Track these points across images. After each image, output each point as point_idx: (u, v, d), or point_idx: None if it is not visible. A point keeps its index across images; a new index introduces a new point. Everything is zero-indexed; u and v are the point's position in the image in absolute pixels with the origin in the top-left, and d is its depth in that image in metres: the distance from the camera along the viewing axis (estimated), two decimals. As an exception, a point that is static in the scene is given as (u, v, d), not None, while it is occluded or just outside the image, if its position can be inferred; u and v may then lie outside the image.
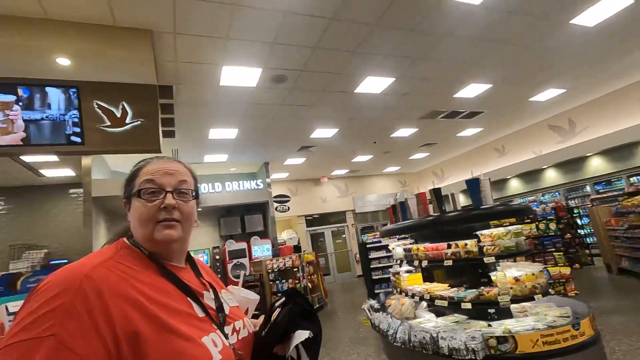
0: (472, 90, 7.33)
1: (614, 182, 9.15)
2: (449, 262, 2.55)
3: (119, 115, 4.06)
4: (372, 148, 10.71)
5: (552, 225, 5.42)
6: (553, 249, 5.36)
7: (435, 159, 13.91)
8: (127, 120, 4.07)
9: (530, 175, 11.18)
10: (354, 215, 14.20)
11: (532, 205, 5.87)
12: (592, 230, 8.07)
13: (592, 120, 9.37)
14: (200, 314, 0.82)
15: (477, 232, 2.55)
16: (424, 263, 2.82)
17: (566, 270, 5.26)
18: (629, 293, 5.44)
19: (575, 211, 9.47)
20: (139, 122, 4.09)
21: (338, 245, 14.03)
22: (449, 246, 2.64)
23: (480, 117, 9.22)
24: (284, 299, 0.97)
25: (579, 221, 9.36)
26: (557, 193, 10.58)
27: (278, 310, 0.93)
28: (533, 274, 2.37)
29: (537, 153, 10.74)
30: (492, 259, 2.37)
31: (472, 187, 2.56)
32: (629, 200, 6.01)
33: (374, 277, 6.82)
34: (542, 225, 5.42)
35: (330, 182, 14.12)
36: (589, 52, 6.44)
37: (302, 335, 0.85)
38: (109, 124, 4.00)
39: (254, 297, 1.12)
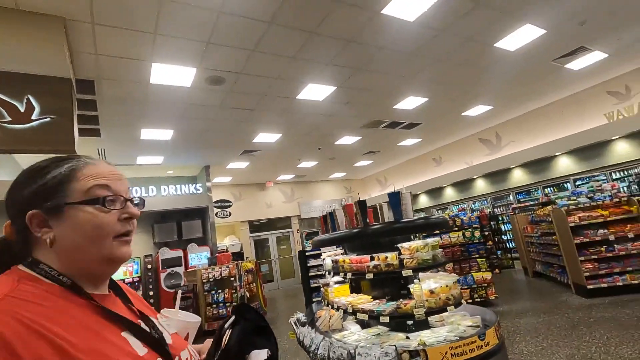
0: (410, 103, 7.65)
1: (532, 192, 10.11)
2: (370, 275, 2.55)
3: (22, 110, 3.57)
4: (317, 154, 10.75)
5: (477, 233, 5.80)
6: (477, 256, 5.72)
7: (379, 166, 14.36)
8: (34, 117, 3.60)
9: (463, 184, 11.97)
10: (299, 220, 14.14)
11: (460, 214, 6.24)
12: (513, 236, 8.83)
13: (515, 135, 10.29)
14: (141, 351, 0.67)
15: (399, 245, 2.58)
16: (349, 275, 2.80)
17: (488, 275, 5.65)
18: (541, 295, 5.98)
19: (500, 218, 10.28)
20: (48, 119, 3.63)
21: (283, 251, 13.86)
22: (372, 258, 2.65)
23: (418, 128, 9.68)
24: (233, 317, 0.87)
25: (503, 227, 10.18)
26: (485, 201, 11.44)
27: (229, 332, 0.83)
28: (447, 286, 2.45)
29: (469, 164, 11.55)
30: (409, 272, 2.42)
31: (394, 200, 2.59)
32: (542, 209, 6.64)
33: (312, 285, 6.77)
34: (467, 233, 5.76)
35: (276, 187, 13.93)
36: (511, 74, 7.04)
37: (259, 356, 0.80)
38: (10, 119, 3.50)
39: (194, 319, 1.00)
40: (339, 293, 3.29)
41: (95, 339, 0.61)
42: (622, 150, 8.15)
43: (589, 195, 5.52)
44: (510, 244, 9.67)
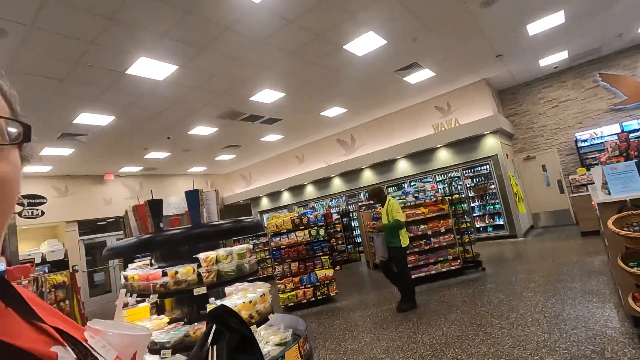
0: (267, 96, 7.33)
1: (378, 191, 11.16)
2: (155, 297, 1.99)
3: None
4: (168, 144, 9.46)
5: (322, 231, 5.85)
6: (321, 253, 5.77)
7: (243, 161, 13.78)
8: None
9: (322, 182, 12.47)
10: (148, 219, 12.34)
11: (308, 212, 6.25)
12: (360, 232, 9.54)
13: (366, 139, 11.20)
14: None
15: (198, 256, 2.09)
16: (134, 296, 2.17)
17: (330, 272, 5.76)
18: (375, 288, 6.45)
19: (352, 215, 11.03)
20: None
21: (126, 255, 11.85)
22: (164, 274, 2.09)
23: (279, 124, 9.50)
24: (214, 328, 0.76)
25: (353, 224, 10.94)
26: (340, 199, 12.17)
27: (213, 349, 0.72)
28: (251, 302, 2.09)
29: (327, 163, 12.07)
30: (202, 290, 1.95)
31: (191, 200, 2.09)
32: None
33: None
34: (313, 232, 5.76)
35: (118, 181, 11.82)
36: (361, 79, 7.45)
37: None
38: None
39: (141, 332, 0.64)
40: (136, 316, 2.61)
41: None
42: (443, 157, 9.69)
43: (415, 195, 6.20)
44: (358, 238, 10.45)
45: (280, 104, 7.96)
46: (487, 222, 9.24)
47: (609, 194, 3.16)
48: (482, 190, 9.19)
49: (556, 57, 8.38)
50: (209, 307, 1.95)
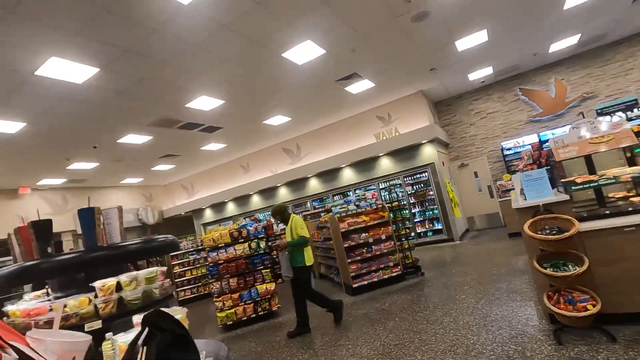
0: (205, 103, 6.99)
1: (324, 200, 11.19)
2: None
3: None
4: (94, 154, 8.63)
5: (262, 244, 5.63)
6: (262, 267, 5.55)
7: (184, 172, 13.07)
8: None
9: (268, 191, 12.21)
10: (73, 237, 11.13)
11: (248, 224, 5.99)
12: (307, 241, 9.42)
13: (312, 148, 11.20)
14: None
15: (95, 284, 1.81)
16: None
17: (271, 286, 5.55)
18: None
19: (298, 224, 10.90)
20: None
21: (46, 278, 10.54)
22: (52, 308, 1.77)
23: (220, 132, 9.14)
24: (147, 330, 0.78)
25: (300, 233, 10.82)
26: (287, 208, 11.98)
27: (143, 350, 0.73)
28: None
29: (273, 172, 11.86)
30: (97, 324, 1.68)
31: (86, 219, 1.81)
32: (325, 216, 7.20)
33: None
34: (253, 244, 5.52)
35: (36, 195, 10.54)
36: (302, 88, 7.42)
37: None
38: None
39: (80, 338, 0.81)
40: None
41: None
42: (385, 165, 9.97)
43: (356, 203, 6.25)
44: (305, 248, 10.31)
45: (220, 111, 7.65)
46: (427, 227, 9.64)
47: (525, 199, 3.38)
48: (421, 197, 9.58)
49: (483, 72, 9.08)
50: (105, 345, 1.68)
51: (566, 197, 3.14)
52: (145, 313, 1.03)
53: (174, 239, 2.17)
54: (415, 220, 9.69)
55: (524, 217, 3.26)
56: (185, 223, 14.59)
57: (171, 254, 9.23)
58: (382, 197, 9.02)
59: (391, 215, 6.45)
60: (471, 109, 10.54)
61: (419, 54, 7.01)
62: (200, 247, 9.19)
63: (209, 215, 13.81)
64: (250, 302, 5.41)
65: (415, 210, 9.76)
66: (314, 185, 11.29)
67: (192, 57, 5.27)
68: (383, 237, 5.99)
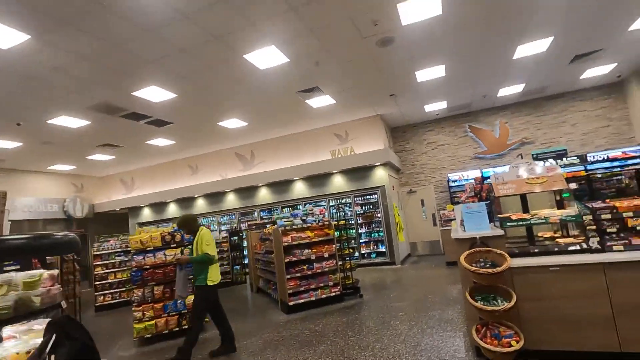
0: (154, 94, 6.51)
1: (273, 211, 10.89)
2: None
3: None
4: (18, 132, 7.65)
5: (197, 251, 5.21)
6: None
7: (125, 164, 12.09)
8: None
9: (215, 196, 11.65)
10: (-22, 223, 9.68)
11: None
12: (247, 252, 9.03)
13: (266, 156, 10.93)
14: None
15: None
16: None
17: (201, 298, 5.13)
18: (254, 314, 6.02)
19: (243, 234, 10.45)
20: None
21: None
22: None
23: (169, 128, 8.58)
24: (54, 337, 0.73)
25: (243, 243, 10.37)
26: (233, 215, 11.50)
27: (51, 358, 0.70)
28: (27, 352, 1.50)
29: (223, 176, 11.37)
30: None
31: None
32: (270, 227, 6.93)
33: None
34: (186, 251, 5.09)
35: (-62, 170, 9.07)
36: (262, 93, 7.20)
37: None
38: None
39: None
40: None
41: None
42: (338, 182, 9.98)
43: (303, 218, 6.07)
44: (245, 259, 9.89)
45: (171, 105, 7.17)
46: (371, 248, 9.71)
47: (465, 230, 3.43)
48: (369, 218, 9.67)
49: (438, 106, 9.53)
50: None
51: (501, 232, 3.24)
52: (51, 319, 0.94)
53: (73, 237, 1.83)
54: (360, 241, 9.73)
55: (462, 248, 3.29)
56: (119, 220, 13.42)
57: (94, 253, 8.35)
58: (331, 214, 8.95)
59: (337, 233, 6.37)
60: (424, 138, 10.99)
61: (381, 77, 7.16)
62: (128, 249, 8.40)
63: (147, 214, 12.83)
64: (174, 313, 4.94)
65: (362, 230, 9.82)
66: (264, 195, 10.97)
67: (144, 42, 4.87)
68: (326, 255, 5.85)
